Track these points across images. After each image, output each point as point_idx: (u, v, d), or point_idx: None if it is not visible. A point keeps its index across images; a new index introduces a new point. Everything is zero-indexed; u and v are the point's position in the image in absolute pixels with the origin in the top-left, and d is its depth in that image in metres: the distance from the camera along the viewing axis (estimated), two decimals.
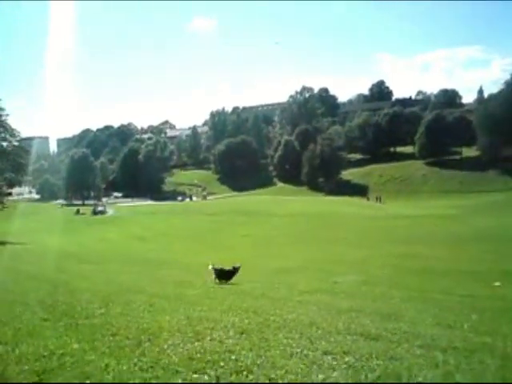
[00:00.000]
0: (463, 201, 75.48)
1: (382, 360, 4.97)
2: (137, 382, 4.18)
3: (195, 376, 4.38)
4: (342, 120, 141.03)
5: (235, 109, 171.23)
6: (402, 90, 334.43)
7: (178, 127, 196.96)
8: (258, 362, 4.82)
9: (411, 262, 23.53)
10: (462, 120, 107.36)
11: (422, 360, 5.04)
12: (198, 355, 5.06)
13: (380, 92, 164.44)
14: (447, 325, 7.63)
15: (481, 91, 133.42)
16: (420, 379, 4.30)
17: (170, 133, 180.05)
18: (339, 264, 23.68)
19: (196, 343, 5.62)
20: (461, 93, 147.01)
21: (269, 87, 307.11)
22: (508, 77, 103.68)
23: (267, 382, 3.36)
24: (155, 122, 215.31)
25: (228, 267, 14.12)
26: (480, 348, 5.78)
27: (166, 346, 5.43)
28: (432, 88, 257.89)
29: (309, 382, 3.95)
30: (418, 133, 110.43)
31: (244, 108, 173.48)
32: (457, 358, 5.19)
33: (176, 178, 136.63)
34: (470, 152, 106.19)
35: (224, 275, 13.89)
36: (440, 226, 44.70)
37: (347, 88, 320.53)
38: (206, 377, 4.36)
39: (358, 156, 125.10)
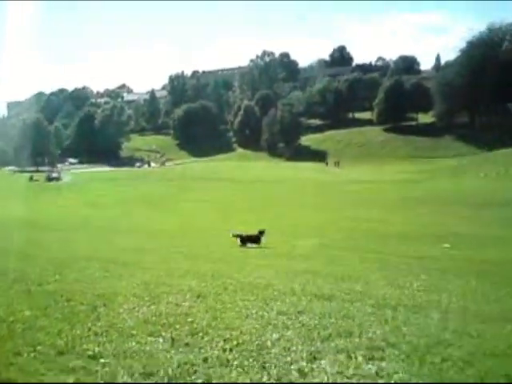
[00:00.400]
0: (419, 166, 77.55)
1: (335, 318, 5.11)
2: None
3: (150, 339, 4.39)
4: (302, 85, 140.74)
5: (195, 73, 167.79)
6: (362, 55, 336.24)
7: (135, 91, 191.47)
8: (214, 324, 4.87)
9: (368, 226, 24.17)
10: (419, 86, 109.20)
11: (373, 317, 5.22)
12: (154, 318, 5.07)
13: (341, 57, 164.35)
14: (398, 284, 7.92)
15: (438, 58, 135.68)
16: (370, 335, 4.46)
17: (127, 97, 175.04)
18: (298, 228, 24.05)
19: (152, 307, 5.62)
20: (421, 59, 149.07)
21: (229, 51, 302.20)
22: (465, 44, 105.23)
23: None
24: (112, 85, 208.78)
25: (253, 232, 14.99)
26: (427, 304, 6.06)
27: (121, 311, 5.40)
28: (392, 54, 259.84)
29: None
30: (376, 99, 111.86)
31: (204, 72, 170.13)
32: (405, 314, 5.42)
33: (134, 144, 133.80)
34: (426, 118, 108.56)
35: (250, 240, 14.77)
36: (396, 190, 45.91)
37: (308, 53, 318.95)
38: (161, 339, 4.38)
39: (317, 122, 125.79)
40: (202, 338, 4.44)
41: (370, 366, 3.69)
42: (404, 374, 3.51)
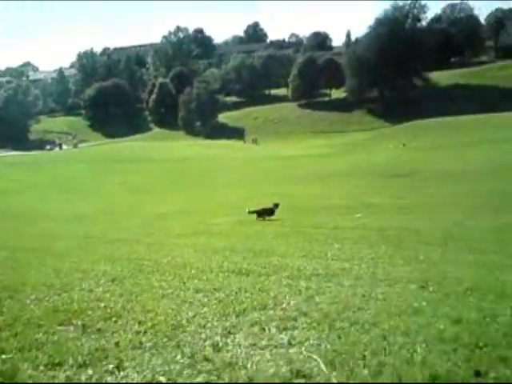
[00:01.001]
0: (333, 140, 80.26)
1: (251, 293, 5.19)
2: None
3: (60, 328, 4.21)
4: (218, 62, 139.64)
5: (105, 50, 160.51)
6: (276, 32, 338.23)
7: (41, 69, 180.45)
8: (128, 307, 4.77)
9: (286, 201, 24.64)
10: (332, 63, 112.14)
11: (288, 289, 5.36)
12: (65, 306, 4.87)
13: (255, 34, 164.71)
14: (313, 255, 8.18)
15: (348, 35, 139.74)
16: (284, 306, 4.58)
17: (32, 76, 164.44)
18: (218, 206, 24.08)
19: (63, 295, 5.39)
20: (334, 35, 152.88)
21: (141, 27, 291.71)
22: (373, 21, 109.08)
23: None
24: (14, 63, 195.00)
25: (269, 205, 16.05)
26: (339, 273, 6.30)
27: (28, 301, 5.13)
28: (305, 31, 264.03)
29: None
30: (291, 75, 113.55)
31: (115, 49, 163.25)
32: (318, 283, 5.61)
33: (43, 126, 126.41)
34: (338, 94, 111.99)
35: (266, 213, 15.84)
36: (313, 164, 47.22)
37: (223, 29, 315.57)
38: (71, 327, 4.21)
39: (234, 99, 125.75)
40: (116, 322, 4.33)
41: (282, 335, 3.80)
42: (314, 341, 3.65)
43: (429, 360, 3.21)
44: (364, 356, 3.32)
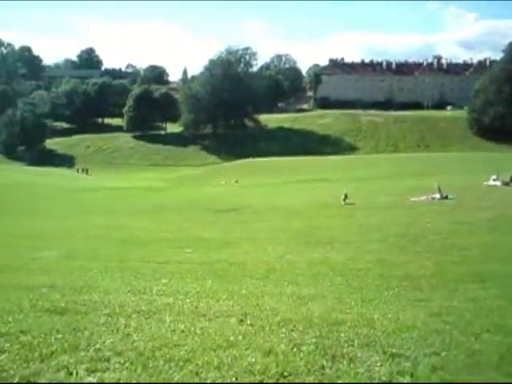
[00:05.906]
0: (167, 174, 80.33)
1: (63, 333, 4.83)
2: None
3: None
4: (47, 85, 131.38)
5: None
6: (111, 60, 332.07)
7: None
8: None
9: (116, 233, 23.73)
10: (168, 97, 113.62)
11: (105, 327, 5.11)
12: None
13: (89, 59, 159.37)
14: (138, 291, 7.97)
15: (185, 71, 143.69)
16: (98, 346, 4.34)
17: None
18: (39, 238, 22.15)
19: None
20: (171, 70, 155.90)
21: None
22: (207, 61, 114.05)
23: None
24: None
25: None
26: (162, 308, 6.23)
27: None
28: (142, 63, 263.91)
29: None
30: (126, 105, 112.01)
31: None
32: (138, 320, 5.46)
33: None
34: (174, 128, 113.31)
35: None
36: (145, 197, 46.50)
37: (53, 51, 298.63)
38: None
39: (64, 125, 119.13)
40: None
41: (90, 378, 3.59)
42: (126, 381, 3.53)
43: None
44: None
